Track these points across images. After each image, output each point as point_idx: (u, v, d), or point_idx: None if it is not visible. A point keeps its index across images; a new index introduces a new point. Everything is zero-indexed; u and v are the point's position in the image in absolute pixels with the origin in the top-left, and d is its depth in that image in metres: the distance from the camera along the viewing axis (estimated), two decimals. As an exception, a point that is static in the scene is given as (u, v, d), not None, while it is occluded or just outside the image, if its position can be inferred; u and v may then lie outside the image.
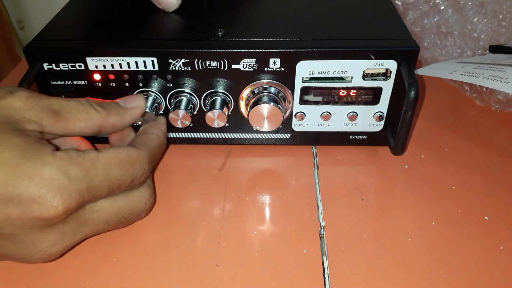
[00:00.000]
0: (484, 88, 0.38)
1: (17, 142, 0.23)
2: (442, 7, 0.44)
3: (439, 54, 0.42)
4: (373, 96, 0.31)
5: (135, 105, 0.30)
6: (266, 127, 0.31)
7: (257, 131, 0.34)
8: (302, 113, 0.32)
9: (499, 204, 0.30)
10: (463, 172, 0.33)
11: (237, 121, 0.33)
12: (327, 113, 0.32)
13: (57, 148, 0.24)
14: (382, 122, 0.33)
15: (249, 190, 0.31)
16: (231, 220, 0.29)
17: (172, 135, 0.34)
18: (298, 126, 0.33)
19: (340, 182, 0.32)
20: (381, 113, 0.32)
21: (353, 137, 0.34)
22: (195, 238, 0.28)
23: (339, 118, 0.33)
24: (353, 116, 0.32)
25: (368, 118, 0.33)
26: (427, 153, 0.34)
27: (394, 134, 0.32)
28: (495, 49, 0.44)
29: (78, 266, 0.27)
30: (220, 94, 0.31)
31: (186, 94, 0.31)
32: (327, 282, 0.25)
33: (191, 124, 0.33)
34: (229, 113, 0.32)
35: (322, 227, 0.29)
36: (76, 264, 0.27)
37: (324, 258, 0.27)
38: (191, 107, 0.31)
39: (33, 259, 0.24)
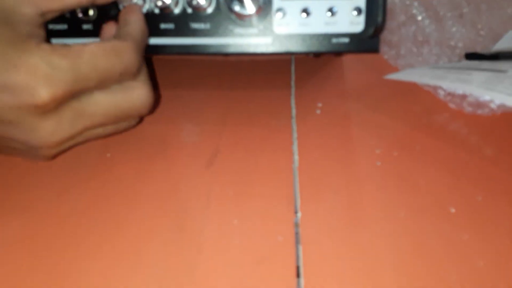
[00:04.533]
0: (456, 92, 0.41)
1: (4, 32, 0.25)
2: (419, 18, 0.47)
3: (415, 61, 0.45)
4: None
5: None
6: (245, 6, 0.34)
7: (238, 34, 0.36)
8: (282, 9, 0.35)
9: (464, 197, 0.32)
10: (433, 168, 0.35)
11: (217, 22, 0.35)
12: (307, 9, 0.34)
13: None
14: (362, 18, 0.35)
15: (233, 185, 0.34)
16: (215, 212, 0.32)
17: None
18: (279, 26, 0.35)
19: (317, 178, 0.34)
20: (359, 7, 0.34)
21: (336, 40, 0.36)
22: (180, 229, 0.30)
23: (319, 15, 0.35)
24: (332, 12, 0.34)
25: (348, 14, 0.35)
26: (399, 152, 0.36)
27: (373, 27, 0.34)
28: (471, 56, 0.47)
29: (67, 258, 0.29)
30: None
31: None
32: (300, 265, 0.28)
33: (172, 26, 0.35)
34: (211, 10, 0.35)
35: (298, 218, 0.31)
36: (65, 256, 0.29)
37: (298, 246, 0.29)
38: None
39: (36, 147, 0.27)
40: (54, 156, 0.31)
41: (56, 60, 0.25)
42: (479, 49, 0.50)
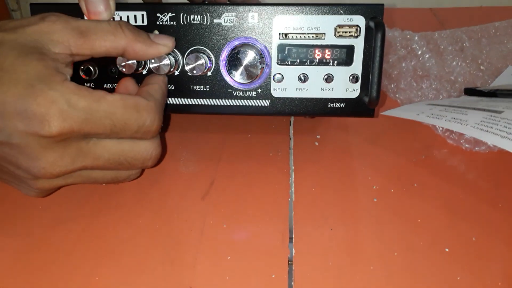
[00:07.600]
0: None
1: (36, 66, 0.27)
2: (419, 52, 0.48)
3: (415, 96, 0.45)
4: (347, 55, 0.34)
5: (164, 42, 0.32)
6: (244, 73, 0.34)
7: (237, 97, 0.36)
8: (280, 75, 0.35)
9: (460, 236, 0.32)
10: (429, 206, 0.35)
11: (217, 85, 0.36)
12: (305, 75, 0.35)
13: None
14: (358, 85, 0.35)
15: (227, 218, 0.34)
16: (208, 246, 0.32)
17: None
18: (277, 91, 0.36)
19: (313, 214, 0.34)
20: (355, 75, 0.35)
21: (331, 105, 0.36)
22: (172, 262, 0.30)
23: (316, 81, 0.35)
24: (329, 79, 0.35)
25: (344, 82, 0.35)
26: (396, 188, 0.36)
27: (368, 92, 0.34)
28: (470, 91, 0.47)
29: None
30: (203, 50, 0.35)
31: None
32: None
33: (172, 87, 0.36)
34: (210, 73, 0.36)
35: (292, 254, 0.31)
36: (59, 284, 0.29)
37: (292, 283, 0.29)
38: (172, 64, 0.34)
39: (34, 176, 0.28)
40: (47, 192, 0.32)
41: (75, 99, 0.27)
42: (479, 83, 0.50)
